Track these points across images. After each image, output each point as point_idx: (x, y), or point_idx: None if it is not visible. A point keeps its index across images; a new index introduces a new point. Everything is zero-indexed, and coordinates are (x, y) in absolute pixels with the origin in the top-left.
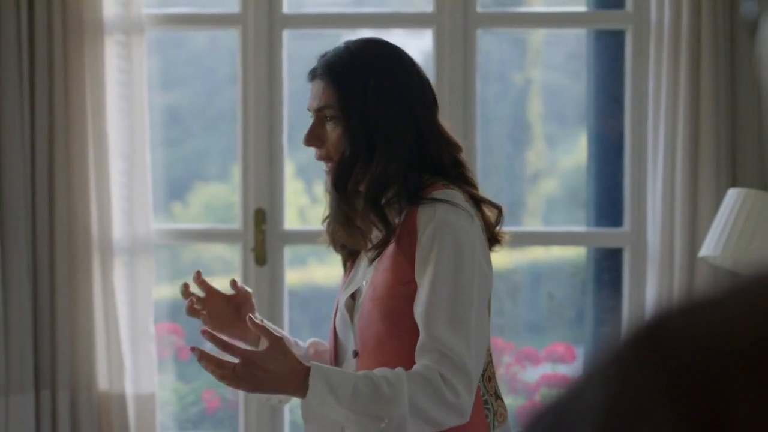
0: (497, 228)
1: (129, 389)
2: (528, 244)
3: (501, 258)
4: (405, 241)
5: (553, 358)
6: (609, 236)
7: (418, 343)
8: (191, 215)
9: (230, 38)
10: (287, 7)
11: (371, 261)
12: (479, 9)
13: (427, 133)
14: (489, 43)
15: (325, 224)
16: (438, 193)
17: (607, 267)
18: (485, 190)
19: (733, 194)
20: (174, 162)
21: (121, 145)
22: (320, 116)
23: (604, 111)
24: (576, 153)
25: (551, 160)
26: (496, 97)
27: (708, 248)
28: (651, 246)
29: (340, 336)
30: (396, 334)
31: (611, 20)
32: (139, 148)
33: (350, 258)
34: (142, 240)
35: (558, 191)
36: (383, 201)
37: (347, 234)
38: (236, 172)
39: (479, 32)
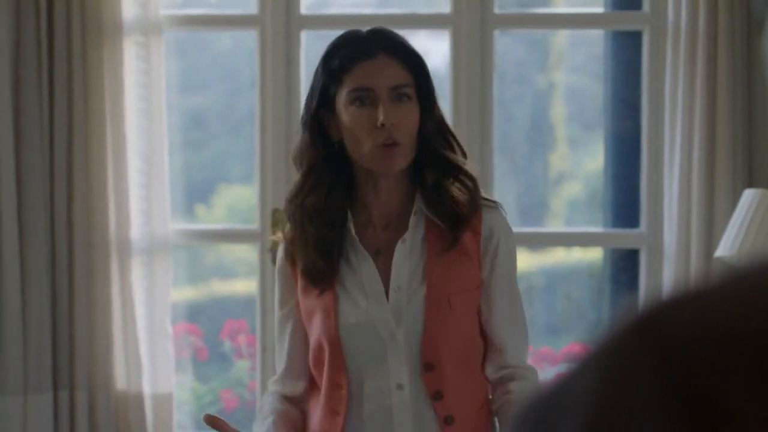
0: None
1: (146, 389)
2: (545, 245)
3: (520, 260)
4: (469, 239)
5: (570, 359)
6: (626, 237)
7: (504, 362)
8: (215, 217)
9: (250, 40)
10: (305, 8)
11: (445, 250)
12: (496, 10)
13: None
14: (506, 45)
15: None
16: (486, 196)
17: (624, 268)
18: (503, 192)
19: (749, 195)
20: (197, 164)
21: (139, 146)
22: (396, 94)
23: (621, 112)
24: (600, 156)
25: (574, 163)
26: (514, 99)
27: (724, 248)
28: (667, 246)
29: (363, 356)
30: (479, 340)
31: (628, 21)
32: (158, 148)
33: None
34: (160, 240)
35: (581, 194)
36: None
37: (440, 216)
38: (260, 173)
39: (496, 33)
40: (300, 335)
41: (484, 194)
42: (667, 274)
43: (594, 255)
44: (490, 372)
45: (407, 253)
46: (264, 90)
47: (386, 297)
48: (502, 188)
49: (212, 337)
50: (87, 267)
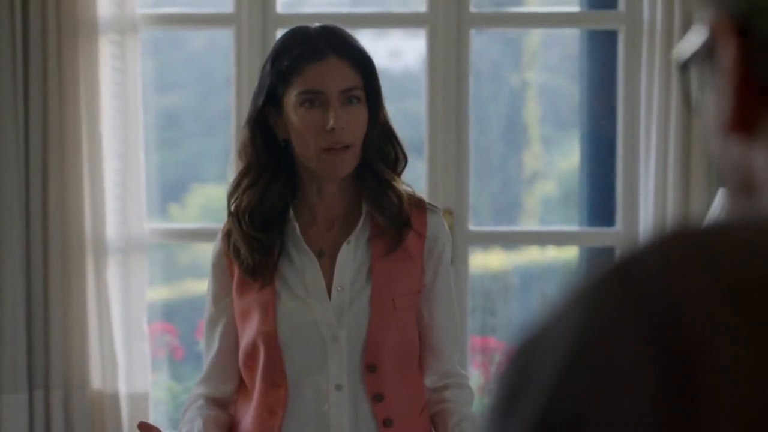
0: None
1: (122, 388)
2: (520, 244)
3: (495, 259)
4: (413, 242)
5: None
6: (601, 236)
7: (443, 370)
8: (188, 216)
9: (226, 38)
10: (281, 6)
11: (390, 251)
12: (473, 9)
13: None
14: (482, 44)
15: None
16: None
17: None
18: (479, 191)
19: (724, 193)
20: (171, 164)
21: (115, 145)
22: (347, 97)
23: (597, 111)
24: (573, 155)
25: (548, 162)
26: (490, 98)
27: None
28: None
29: (302, 355)
30: (417, 344)
31: (604, 20)
32: (134, 147)
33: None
34: (135, 240)
35: (555, 193)
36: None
37: (384, 218)
38: (232, 173)
39: (473, 32)
40: (233, 335)
41: (425, 198)
42: None
43: (569, 254)
44: (429, 377)
45: (352, 254)
46: (240, 89)
47: (329, 297)
48: (477, 187)
49: (188, 337)
50: (62, 266)
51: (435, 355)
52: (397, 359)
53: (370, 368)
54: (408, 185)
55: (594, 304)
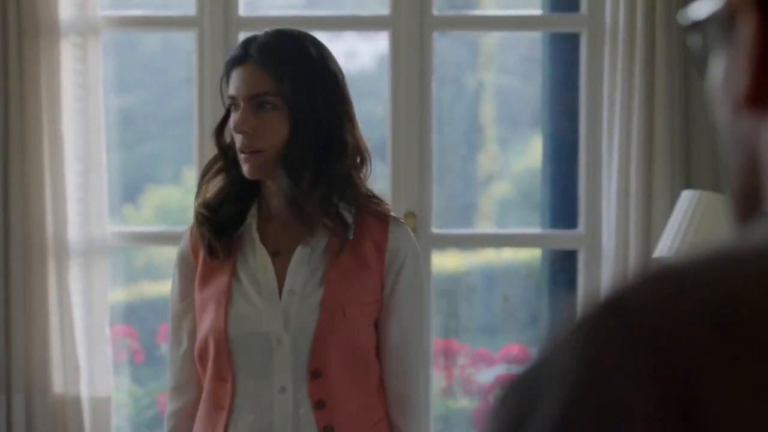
0: None
1: (84, 392)
2: (483, 246)
3: (454, 260)
4: (372, 254)
5: (507, 360)
6: (564, 238)
7: (393, 390)
8: (143, 218)
9: (183, 41)
10: (243, 9)
11: (339, 255)
12: (435, 12)
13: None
14: (444, 46)
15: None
16: (394, 213)
17: (562, 269)
18: (441, 193)
19: (687, 196)
20: (127, 165)
21: (76, 147)
22: (257, 102)
23: (559, 113)
24: (528, 156)
25: (504, 163)
26: (451, 100)
27: (662, 249)
28: (606, 247)
29: (248, 352)
30: (374, 357)
31: (566, 23)
32: (95, 149)
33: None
34: (97, 242)
35: (510, 194)
36: (337, 199)
37: (303, 225)
38: (189, 174)
39: (435, 35)
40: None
41: (391, 211)
42: (605, 274)
43: (532, 256)
44: (385, 393)
45: (306, 258)
46: (202, 91)
47: (279, 298)
48: (439, 189)
49: (148, 340)
50: (24, 269)
51: (386, 372)
52: (346, 367)
53: (314, 374)
54: (376, 196)
55: (590, 339)
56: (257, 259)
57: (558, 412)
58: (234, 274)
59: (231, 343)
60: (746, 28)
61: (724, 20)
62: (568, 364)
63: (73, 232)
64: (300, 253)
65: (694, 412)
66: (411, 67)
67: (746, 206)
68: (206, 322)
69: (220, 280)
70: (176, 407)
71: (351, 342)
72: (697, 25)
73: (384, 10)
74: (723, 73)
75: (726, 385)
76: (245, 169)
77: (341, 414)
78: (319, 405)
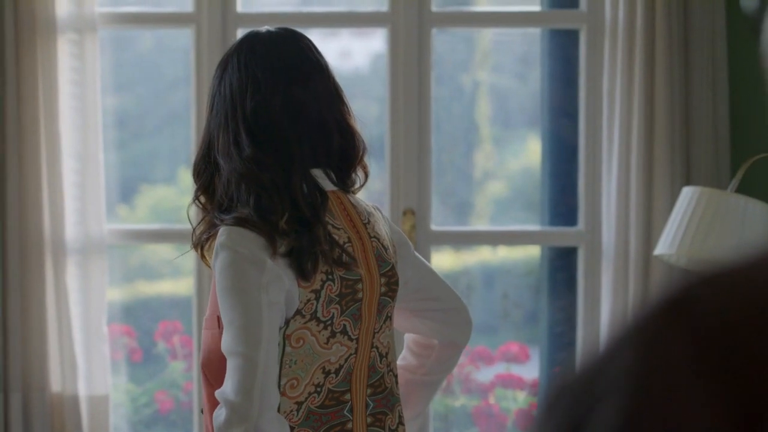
0: None
1: (82, 391)
2: (482, 243)
3: (453, 258)
4: None
5: (507, 358)
6: (563, 235)
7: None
8: (137, 218)
9: (179, 39)
10: (241, 6)
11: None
12: (434, 8)
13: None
14: (442, 44)
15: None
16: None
17: (562, 266)
18: (438, 191)
19: (687, 192)
20: (121, 164)
21: (74, 145)
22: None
23: (559, 110)
24: (524, 155)
25: (500, 162)
26: (449, 98)
27: (663, 246)
28: (606, 245)
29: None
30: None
31: (565, 20)
32: (92, 147)
33: None
34: (95, 240)
35: (506, 193)
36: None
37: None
38: (185, 174)
39: (434, 31)
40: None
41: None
42: (605, 272)
43: (531, 253)
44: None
45: None
46: (200, 89)
47: None
48: (436, 187)
49: (146, 339)
50: (21, 268)
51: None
52: (206, 372)
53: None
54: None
55: (652, 345)
56: None
57: (618, 423)
58: None
59: None
60: None
61: None
62: (626, 370)
63: (71, 231)
64: None
65: (762, 430)
66: (409, 63)
67: None
68: None
69: None
70: None
71: (205, 342)
72: None
73: (382, 6)
74: None
75: None
76: None
77: (209, 421)
78: (201, 411)
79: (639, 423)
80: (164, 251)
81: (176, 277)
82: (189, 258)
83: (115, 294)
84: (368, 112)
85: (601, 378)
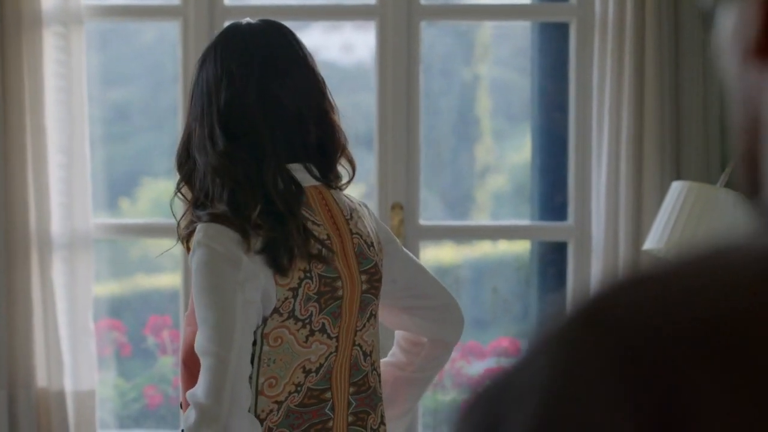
0: None
1: (68, 386)
2: (472, 238)
3: (443, 253)
4: None
5: (498, 353)
6: (553, 230)
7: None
8: (139, 211)
9: (174, 31)
10: None
11: None
12: (423, 1)
13: None
14: (432, 36)
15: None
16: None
17: (552, 261)
18: (431, 185)
19: (677, 187)
20: (121, 158)
21: (59, 139)
22: None
23: (549, 104)
24: (523, 148)
25: (499, 156)
26: (440, 91)
27: (652, 241)
28: (595, 239)
29: None
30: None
31: (555, 13)
32: (79, 141)
33: None
34: (81, 235)
35: (506, 187)
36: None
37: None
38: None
39: (423, 24)
40: None
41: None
42: (595, 266)
43: (521, 248)
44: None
45: None
46: (187, 82)
47: None
48: (429, 181)
49: (135, 333)
50: (6, 262)
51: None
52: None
53: None
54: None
55: (566, 352)
56: None
57: (529, 429)
58: None
59: None
60: None
61: None
62: (541, 377)
63: (57, 225)
64: None
65: None
66: (398, 57)
67: (748, 177)
68: None
69: None
70: None
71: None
72: None
73: None
74: (732, 26)
75: (712, 406)
76: None
77: None
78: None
79: (550, 429)
80: (154, 245)
81: (166, 271)
82: (177, 252)
83: (105, 289)
84: (370, 106)
85: (516, 385)
